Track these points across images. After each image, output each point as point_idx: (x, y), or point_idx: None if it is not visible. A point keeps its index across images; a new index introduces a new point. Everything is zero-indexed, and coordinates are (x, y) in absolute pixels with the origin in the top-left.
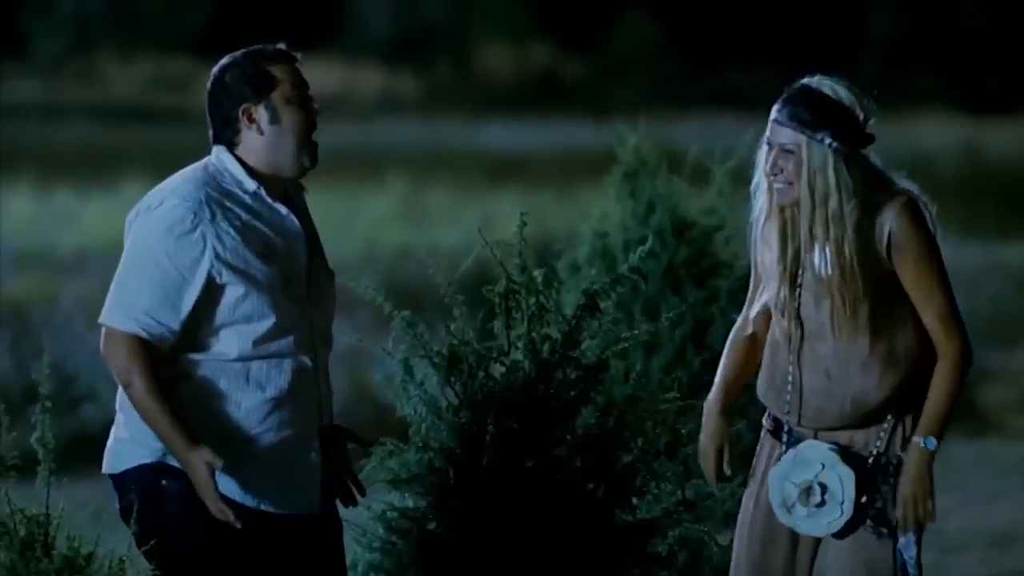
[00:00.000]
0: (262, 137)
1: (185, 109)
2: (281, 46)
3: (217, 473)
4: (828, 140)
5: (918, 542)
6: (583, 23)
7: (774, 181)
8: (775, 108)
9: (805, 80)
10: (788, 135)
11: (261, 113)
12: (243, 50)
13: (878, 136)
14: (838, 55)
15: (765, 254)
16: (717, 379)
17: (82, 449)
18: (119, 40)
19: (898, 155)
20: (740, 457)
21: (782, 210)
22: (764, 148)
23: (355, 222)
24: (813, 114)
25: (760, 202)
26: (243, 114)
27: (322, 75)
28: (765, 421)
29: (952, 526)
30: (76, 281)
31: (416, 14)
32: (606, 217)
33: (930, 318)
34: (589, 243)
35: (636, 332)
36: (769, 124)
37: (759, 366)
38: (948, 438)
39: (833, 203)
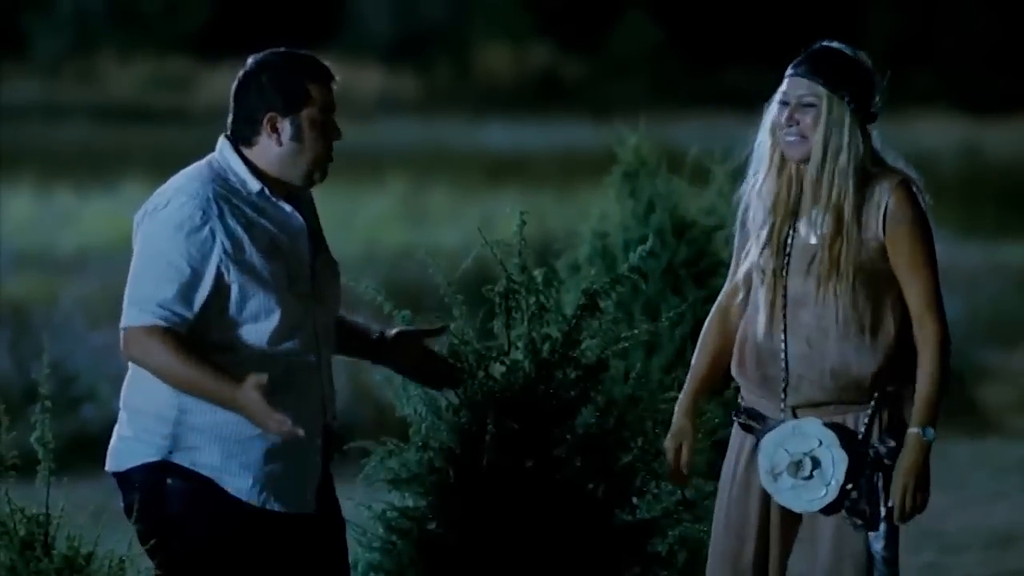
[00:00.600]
0: (279, 148)
1: (185, 109)
2: (326, 63)
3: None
4: (848, 98)
5: (889, 535)
6: (583, 23)
7: (786, 134)
8: (793, 65)
9: (824, 42)
10: (809, 88)
11: (286, 127)
12: (286, 52)
13: (879, 136)
14: None
15: (759, 212)
16: (688, 376)
17: (82, 449)
18: (119, 40)
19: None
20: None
21: (780, 173)
22: (775, 105)
23: (355, 222)
24: (836, 71)
25: (762, 161)
26: (267, 121)
27: None
28: (737, 416)
29: (952, 526)
30: (76, 281)
31: (416, 14)
32: (606, 217)
33: (914, 297)
34: (589, 243)
35: (636, 332)
36: (786, 80)
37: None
38: (948, 438)
39: (843, 159)
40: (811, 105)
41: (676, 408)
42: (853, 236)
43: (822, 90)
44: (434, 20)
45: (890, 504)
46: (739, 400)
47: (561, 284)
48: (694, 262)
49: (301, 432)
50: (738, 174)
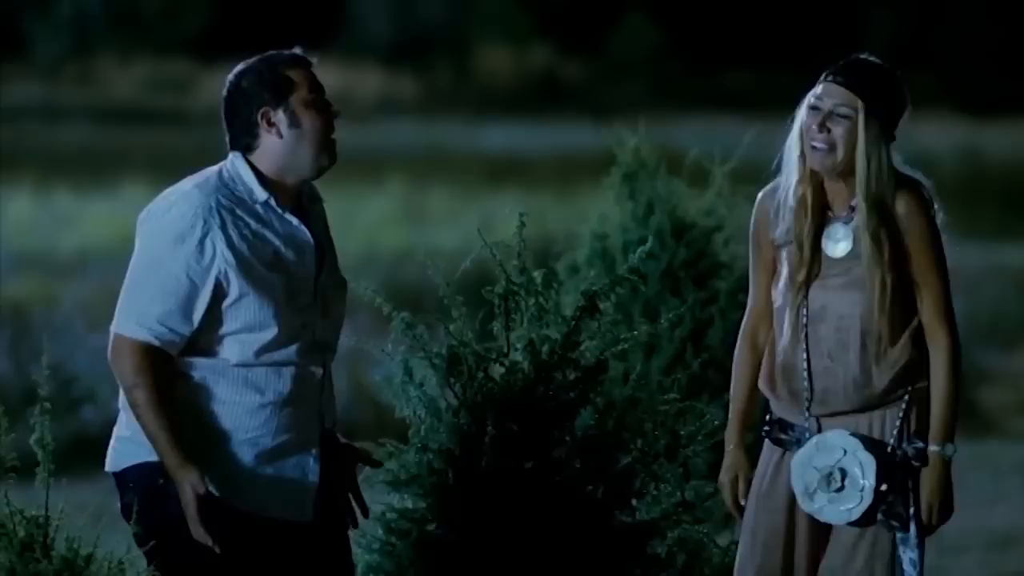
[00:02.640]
0: (281, 141)
1: (184, 111)
2: (297, 50)
3: (213, 474)
4: (881, 113)
5: (919, 540)
6: (583, 25)
7: (814, 141)
8: (830, 72)
9: (859, 55)
10: (846, 98)
11: (280, 117)
12: (258, 56)
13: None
14: (838, 58)
15: (792, 222)
16: (731, 410)
17: (81, 450)
18: (118, 42)
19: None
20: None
21: (809, 181)
22: (805, 110)
23: (355, 223)
24: (874, 85)
25: (791, 169)
26: (262, 118)
27: (322, 77)
28: (767, 432)
29: (951, 528)
30: (76, 283)
31: (416, 16)
32: (605, 218)
33: (926, 305)
34: (588, 244)
35: (635, 333)
36: (820, 86)
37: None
38: None
39: (885, 175)
40: (846, 116)
41: (726, 442)
42: (886, 250)
43: (859, 103)
44: (433, 22)
45: (912, 510)
46: (768, 416)
47: (560, 286)
48: (693, 263)
49: (217, 550)
50: (737, 175)
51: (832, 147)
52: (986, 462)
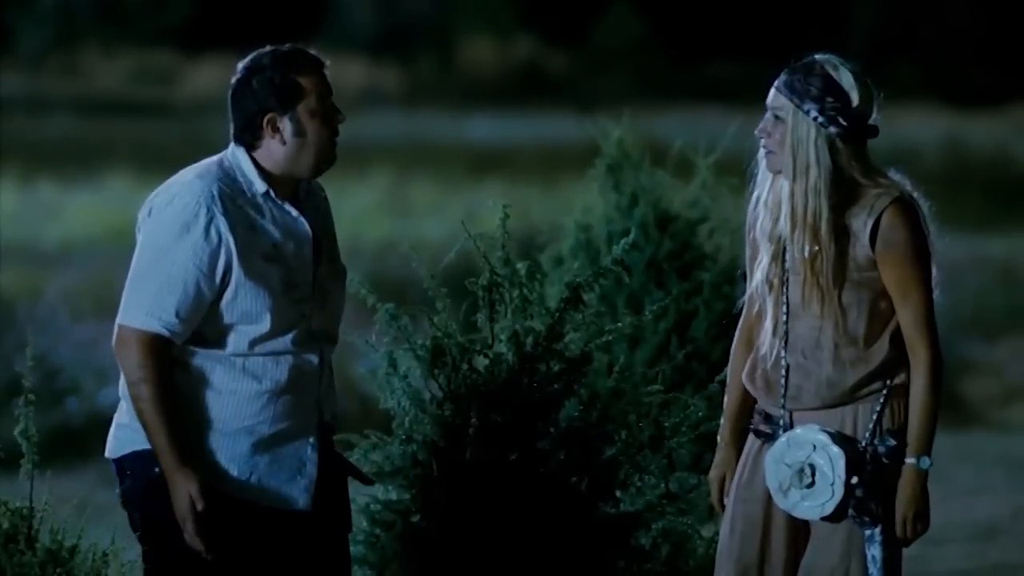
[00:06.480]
0: (284, 147)
1: (169, 102)
2: (313, 52)
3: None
4: (814, 114)
5: (886, 542)
6: (567, 16)
7: (762, 145)
8: (780, 75)
9: (817, 55)
10: (780, 101)
11: (286, 125)
12: (273, 51)
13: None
14: (821, 49)
15: (766, 221)
16: (724, 406)
17: (66, 442)
18: (103, 34)
19: (881, 148)
20: None
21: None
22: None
23: (339, 215)
24: (807, 86)
25: (764, 171)
26: (267, 124)
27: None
28: (754, 418)
29: (934, 519)
30: (60, 274)
31: (400, 7)
32: (589, 210)
33: (906, 319)
34: (572, 236)
35: (620, 325)
36: (771, 91)
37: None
38: None
39: (812, 176)
40: (781, 119)
41: (719, 438)
42: (832, 253)
43: (789, 105)
44: (418, 13)
45: (881, 508)
46: (755, 407)
47: (544, 277)
48: (677, 255)
49: (208, 557)
50: (721, 167)
51: (773, 151)
52: (969, 454)
